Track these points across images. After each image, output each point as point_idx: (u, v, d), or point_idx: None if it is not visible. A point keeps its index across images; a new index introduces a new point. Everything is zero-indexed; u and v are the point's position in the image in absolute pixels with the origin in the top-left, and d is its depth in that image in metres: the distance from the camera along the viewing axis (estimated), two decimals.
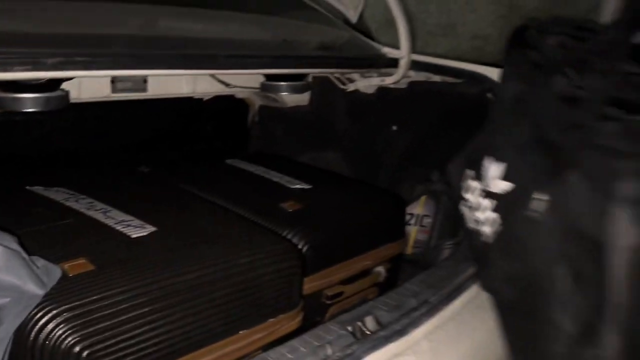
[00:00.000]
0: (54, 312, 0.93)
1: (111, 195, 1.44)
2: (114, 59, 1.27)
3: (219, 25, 1.68)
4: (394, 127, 2.17)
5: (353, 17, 2.11)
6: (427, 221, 2.02)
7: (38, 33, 1.26)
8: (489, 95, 1.68)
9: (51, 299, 0.95)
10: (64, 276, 1.01)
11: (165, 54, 1.38)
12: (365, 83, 2.14)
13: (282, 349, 1.07)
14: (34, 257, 0.98)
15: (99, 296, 0.99)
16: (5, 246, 0.91)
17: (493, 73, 1.66)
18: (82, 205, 1.34)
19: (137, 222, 1.28)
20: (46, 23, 1.32)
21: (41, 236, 1.15)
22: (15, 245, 0.94)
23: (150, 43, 1.45)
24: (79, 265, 1.06)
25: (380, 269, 1.70)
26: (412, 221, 2.03)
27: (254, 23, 1.81)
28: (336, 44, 1.96)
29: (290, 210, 1.57)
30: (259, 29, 1.84)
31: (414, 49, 1.93)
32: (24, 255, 0.94)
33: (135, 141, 2.01)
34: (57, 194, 1.39)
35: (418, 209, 2.05)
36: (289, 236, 1.45)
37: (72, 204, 1.35)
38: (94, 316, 0.95)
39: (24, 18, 1.26)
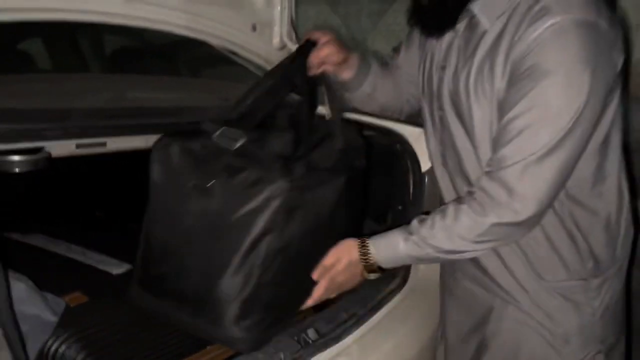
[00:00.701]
0: (65, 335, 1.17)
1: (82, 238, 1.67)
2: (80, 130, 1.50)
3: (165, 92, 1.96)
4: None
5: None
6: None
7: (20, 109, 1.49)
8: (398, 147, 2.04)
9: (60, 326, 1.19)
10: (67, 307, 1.25)
11: (120, 124, 1.61)
12: None
13: (242, 358, 1.34)
14: (44, 292, 1.22)
15: (97, 322, 1.24)
16: (24, 283, 1.15)
17: (404, 129, 1.99)
18: (62, 248, 1.57)
19: (113, 260, 1.53)
20: (24, 99, 1.56)
21: (37, 275, 1.38)
22: (31, 283, 1.18)
23: (107, 113, 1.69)
24: (76, 297, 1.30)
25: None
26: None
27: (198, 87, 2.11)
28: None
29: None
30: (204, 94, 2.15)
31: None
32: (38, 290, 1.18)
33: (94, 188, 2.23)
34: (37, 239, 1.61)
35: None
36: None
37: (52, 247, 1.57)
38: (96, 338, 1.20)
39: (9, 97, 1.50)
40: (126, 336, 1.24)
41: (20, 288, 1.14)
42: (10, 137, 1.33)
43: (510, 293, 1.22)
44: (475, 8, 1.06)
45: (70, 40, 2.67)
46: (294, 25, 2.28)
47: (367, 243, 1.19)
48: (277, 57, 2.32)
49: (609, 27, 0.99)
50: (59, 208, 2.13)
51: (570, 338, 1.20)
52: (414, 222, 1.14)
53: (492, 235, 1.07)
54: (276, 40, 2.22)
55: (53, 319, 1.16)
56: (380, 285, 1.75)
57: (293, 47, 2.26)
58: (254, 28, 2.09)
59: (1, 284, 0.98)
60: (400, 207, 1.71)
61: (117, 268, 1.49)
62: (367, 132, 2.29)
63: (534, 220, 1.05)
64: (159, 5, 1.68)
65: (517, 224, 1.04)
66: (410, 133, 1.63)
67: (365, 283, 1.91)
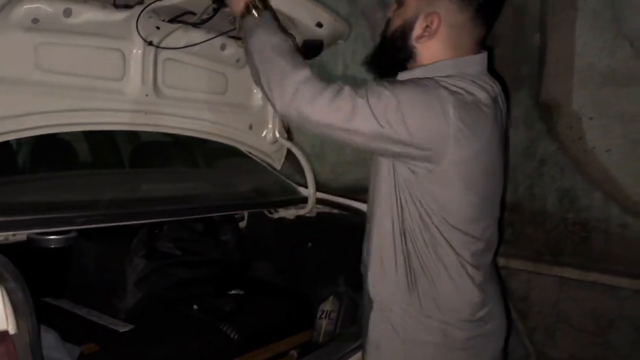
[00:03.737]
0: None
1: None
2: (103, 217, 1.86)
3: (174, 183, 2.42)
4: (309, 244, 2.85)
5: (277, 165, 2.88)
6: (334, 315, 2.68)
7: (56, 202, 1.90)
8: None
9: None
10: (81, 353, 1.65)
11: (133, 212, 1.97)
12: (287, 213, 2.89)
13: None
14: (66, 342, 1.63)
15: None
16: (52, 334, 1.56)
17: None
18: (82, 311, 2.00)
19: (120, 322, 1.94)
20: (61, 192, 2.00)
21: (62, 330, 1.79)
22: (57, 334, 1.59)
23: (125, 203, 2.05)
24: (90, 347, 1.71)
25: (293, 352, 2.34)
26: (323, 316, 2.67)
27: (204, 178, 2.57)
28: (266, 188, 2.71)
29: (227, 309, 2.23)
30: (208, 183, 2.60)
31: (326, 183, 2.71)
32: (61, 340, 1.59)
33: None
34: (64, 303, 2.05)
35: (327, 306, 2.70)
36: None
37: (75, 310, 2.00)
38: None
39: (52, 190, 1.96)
40: None
41: (49, 338, 1.55)
42: (48, 224, 1.77)
43: None
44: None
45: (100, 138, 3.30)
46: (285, 122, 2.75)
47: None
48: (271, 150, 2.80)
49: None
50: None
51: None
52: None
53: None
54: (269, 137, 2.70)
55: None
56: (342, 344, 2.10)
57: (284, 141, 2.74)
58: (250, 127, 2.56)
59: (35, 335, 1.35)
60: None
61: (123, 327, 1.91)
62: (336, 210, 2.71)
63: None
64: (173, 115, 2.12)
65: None
66: None
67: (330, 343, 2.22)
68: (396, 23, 1.35)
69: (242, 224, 3.07)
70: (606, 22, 2.33)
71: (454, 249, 1.29)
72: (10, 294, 1.13)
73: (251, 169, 2.81)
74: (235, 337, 2.08)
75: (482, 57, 1.34)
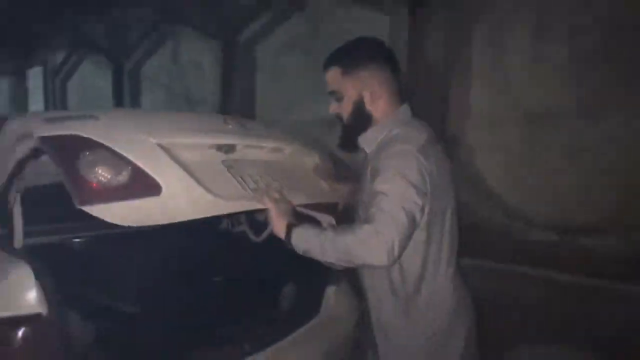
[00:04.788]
0: None
1: None
2: None
3: None
4: None
5: None
6: None
7: None
8: None
9: None
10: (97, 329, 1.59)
11: None
12: None
13: None
14: None
15: None
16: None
17: None
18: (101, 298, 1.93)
19: None
20: None
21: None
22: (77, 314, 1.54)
23: None
24: None
25: None
26: None
27: None
28: None
29: None
30: None
31: None
32: None
33: None
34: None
35: None
36: None
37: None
38: None
39: None
40: None
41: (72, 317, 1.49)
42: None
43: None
44: (360, 141, 1.35)
45: None
46: None
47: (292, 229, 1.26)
48: None
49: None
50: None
51: None
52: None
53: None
54: None
55: None
56: None
57: None
58: None
59: (61, 316, 1.17)
60: None
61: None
62: None
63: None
64: None
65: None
66: None
67: None
68: (348, 109, 1.34)
69: None
70: (492, 80, 2.47)
71: None
72: (43, 284, 1.11)
73: None
74: None
75: (407, 105, 1.38)
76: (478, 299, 2.41)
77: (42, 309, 1.09)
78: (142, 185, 1.15)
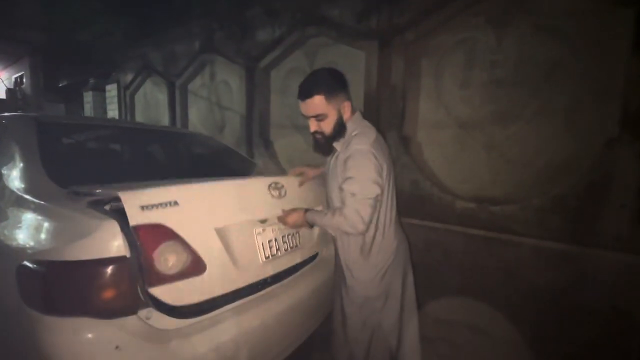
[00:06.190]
0: None
1: None
2: None
3: None
4: None
5: None
6: None
7: None
8: None
9: None
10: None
11: None
12: None
13: None
14: None
15: None
16: None
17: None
18: None
19: None
20: None
21: None
22: None
23: None
24: None
25: None
26: None
27: None
28: None
29: None
30: None
31: None
32: None
33: None
34: None
35: None
36: None
37: None
38: None
39: None
40: None
41: None
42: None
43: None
44: (335, 145, 1.32)
45: None
46: None
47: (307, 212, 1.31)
48: None
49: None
50: None
51: None
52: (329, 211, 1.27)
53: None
54: None
55: None
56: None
57: None
58: None
59: (140, 259, 1.05)
60: None
61: None
62: None
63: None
64: None
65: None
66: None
67: None
68: (331, 125, 1.27)
69: None
70: (434, 98, 2.47)
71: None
72: (126, 235, 1.07)
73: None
74: None
75: (358, 112, 1.35)
76: (418, 246, 2.47)
77: (126, 253, 1.07)
78: (195, 267, 1.08)
